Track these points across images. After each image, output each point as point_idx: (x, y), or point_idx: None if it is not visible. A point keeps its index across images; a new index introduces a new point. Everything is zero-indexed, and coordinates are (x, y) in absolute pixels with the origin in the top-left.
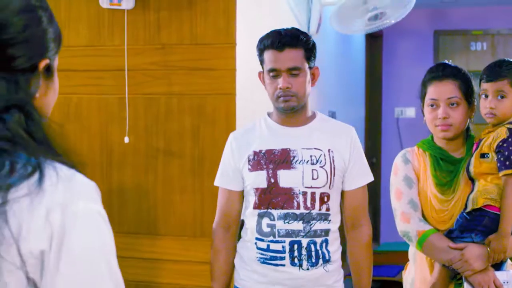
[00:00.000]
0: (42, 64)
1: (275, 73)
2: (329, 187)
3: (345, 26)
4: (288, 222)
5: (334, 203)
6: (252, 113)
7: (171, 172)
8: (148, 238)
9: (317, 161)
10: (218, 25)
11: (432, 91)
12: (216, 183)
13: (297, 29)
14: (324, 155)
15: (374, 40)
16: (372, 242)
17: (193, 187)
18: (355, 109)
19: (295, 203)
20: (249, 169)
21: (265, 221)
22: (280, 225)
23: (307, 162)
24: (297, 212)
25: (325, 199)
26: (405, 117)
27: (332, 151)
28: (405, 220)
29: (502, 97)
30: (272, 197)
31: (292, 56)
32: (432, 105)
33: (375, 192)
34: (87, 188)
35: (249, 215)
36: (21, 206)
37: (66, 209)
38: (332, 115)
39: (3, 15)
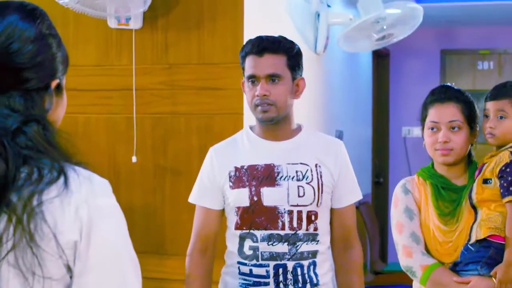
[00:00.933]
0: (54, 83)
1: (253, 79)
2: (317, 204)
3: (352, 45)
4: (272, 244)
5: (323, 222)
6: None
7: (178, 191)
8: (156, 258)
9: (303, 177)
10: (226, 45)
11: (433, 113)
12: (191, 200)
13: (282, 36)
14: (311, 171)
15: (381, 59)
16: (380, 262)
17: None
18: (362, 128)
19: (280, 223)
20: (230, 186)
21: (248, 243)
22: (263, 247)
23: (293, 178)
24: (282, 233)
25: (313, 217)
26: (412, 136)
27: (319, 166)
28: (407, 254)
29: (502, 117)
30: (255, 217)
31: (272, 62)
32: (432, 128)
33: (382, 211)
34: (104, 185)
35: (230, 237)
36: (54, 206)
37: (91, 205)
38: (340, 134)
39: (18, 43)
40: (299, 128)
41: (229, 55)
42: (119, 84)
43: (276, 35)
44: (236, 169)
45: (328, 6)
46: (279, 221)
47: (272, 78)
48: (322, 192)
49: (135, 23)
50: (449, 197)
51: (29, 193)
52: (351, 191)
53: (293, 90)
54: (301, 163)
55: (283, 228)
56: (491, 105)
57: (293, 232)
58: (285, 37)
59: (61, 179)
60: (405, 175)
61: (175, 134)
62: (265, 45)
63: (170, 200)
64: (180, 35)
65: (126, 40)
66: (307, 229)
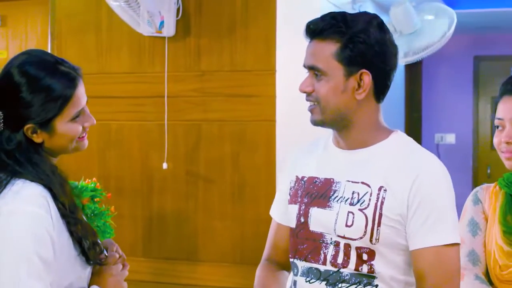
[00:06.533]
0: (26, 128)
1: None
2: (370, 240)
3: None
4: (309, 282)
5: (386, 266)
6: (292, 140)
7: (211, 198)
8: (187, 264)
9: (358, 201)
10: (258, 52)
11: (500, 108)
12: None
13: (346, 13)
14: (371, 194)
15: (413, 66)
16: None
17: (233, 213)
18: None
19: (322, 256)
20: (288, 199)
21: (290, 274)
22: (301, 284)
23: (346, 200)
24: (322, 268)
25: (365, 256)
26: (445, 143)
27: (384, 190)
28: (461, 277)
29: None
30: (299, 243)
31: (316, 51)
32: (497, 126)
33: None
34: (28, 196)
35: None
36: None
37: (2, 208)
38: None
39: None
40: (384, 135)
41: (261, 62)
42: (152, 91)
43: (352, 14)
44: (297, 179)
45: None
46: (321, 252)
47: (314, 71)
48: (379, 225)
49: (168, 31)
50: None
51: None
52: (433, 228)
53: (347, 87)
54: (362, 182)
55: (324, 263)
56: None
57: (335, 269)
58: (353, 14)
59: (1, 190)
60: None
61: (207, 141)
62: (313, 26)
63: (202, 207)
64: (212, 42)
65: (159, 47)
66: (356, 269)
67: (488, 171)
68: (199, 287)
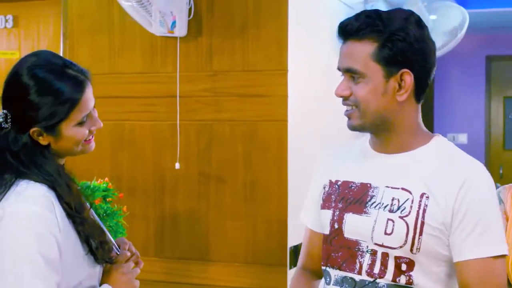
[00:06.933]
0: (32, 131)
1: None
2: (411, 249)
3: None
4: None
5: (424, 277)
6: (304, 140)
7: (223, 198)
8: (199, 264)
9: (398, 208)
10: (270, 52)
11: None
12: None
13: (381, 11)
14: (412, 201)
15: None
16: None
17: (245, 213)
18: None
19: (357, 265)
20: (321, 204)
21: (322, 282)
22: None
23: (385, 207)
24: (357, 278)
25: (404, 267)
26: (457, 143)
27: (427, 197)
28: None
29: None
30: (332, 250)
31: (352, 52)
32: None
33: None
34: (30, 197)
35: None
36: None
37: (6, 209)
38: None
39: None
40: (425, 139)
41: (273, 62)
42: (164, 91)
43: (386, 11)
44: (330, 183)
45: None
46: (356, 261)
47: (351, 74)
48: (421, 234)
49: (180, 31)
50: None
51: None
52: (478, 239)
53: (388, 89)
54: (402, 188)
55: (359, 272)
56: None
57: (371, 279)
58: (394, 11)
59: (5, 190)
60: None
61: (219, 141)
62: (347, 27)
63: (214, 207)
64: (224, 42)
65: (171, 47)
66: (394, 280)
67: (501, 171)
68: (210, 287)
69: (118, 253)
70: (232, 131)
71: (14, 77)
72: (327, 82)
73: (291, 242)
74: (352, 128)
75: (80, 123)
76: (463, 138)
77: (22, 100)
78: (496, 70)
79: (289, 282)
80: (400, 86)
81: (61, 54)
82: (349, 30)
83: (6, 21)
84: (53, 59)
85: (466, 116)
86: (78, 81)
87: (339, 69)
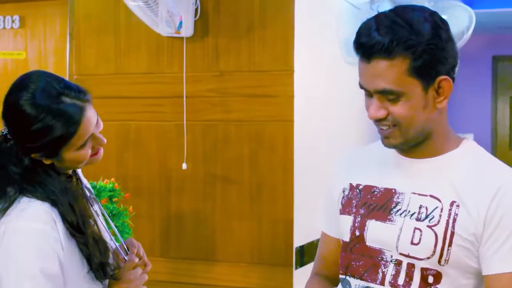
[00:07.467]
0: (33, 155)
1: (365, 90)
2: (439, 261)
3: None
4: None
5: None
6: (311, 140)
7: (229, 198)
8: (205, 264)
9: (426, 217)
10: (276, 52)
11: None
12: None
13: (400, 21)
14: (441, 210)
15: None
16: None
17: (251, 214)
18: None
19: (380, 275)
20: (340, 209)
21: None
22: None
23: (412, 215)
24: None
25: (431, 279)
26: None
27: (457, 206)
28: None
29: None
30: (353, 259)
31: (383, 73)
32: None
33: None
34: (33, 214)
35: None
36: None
37: (8, 225)
38: None
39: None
40: (455, 143)
41: (280, 63)
42: (170, 91)
43: (406, 13)
44: (351, 187)
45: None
46: (379, 271)
47: (386, 95)
48: (450, 245)
49: (187, 31)
50: None
51: None
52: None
53: (428, 101)
54: (430, 196)
55: (382, 283)
56: None
57: None
58: (414, 16)
59: (8, 207)
60: None
61: (226, 142)
62: (372, 45)
63: (220, 208)
64: (230, 42)
65: (177, 48)
66: None
67: None
68: (216, 287)
69: (126, 258)
70: (239, 132)
71: (12, 104)
72: (334, 82)
73: (297, 242)
74: (392, 146)
75: (82, 146)
76: (469, 138)
77: (19, 129)
78: (503, 70)
79: (295, 283)
80: (438, 93)
81: (67, 55)
82: (376, 49)
83: (13, 21)
84: (49, 88)
85: (472, 116)
86: (74, 111)
87: (364, 88)
